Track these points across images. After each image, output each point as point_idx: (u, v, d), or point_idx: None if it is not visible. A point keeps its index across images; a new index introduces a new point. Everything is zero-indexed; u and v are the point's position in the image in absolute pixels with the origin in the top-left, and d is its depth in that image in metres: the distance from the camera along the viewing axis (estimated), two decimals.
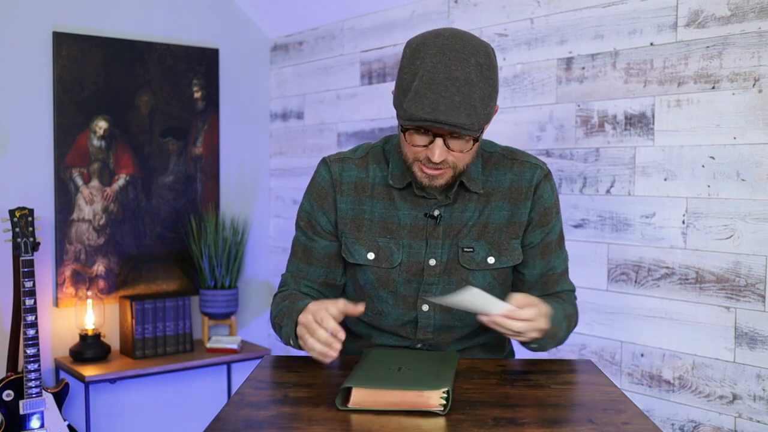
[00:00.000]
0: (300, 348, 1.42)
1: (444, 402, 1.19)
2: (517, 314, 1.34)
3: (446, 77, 1.32)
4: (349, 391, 1.22)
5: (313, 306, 1.37)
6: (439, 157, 1.37)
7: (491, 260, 1.51)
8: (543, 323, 1.39)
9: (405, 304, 1.54)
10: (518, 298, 1.37)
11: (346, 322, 1.64)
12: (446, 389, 1.20)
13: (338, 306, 1.34)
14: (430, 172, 1.41)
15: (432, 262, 1.51)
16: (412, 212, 1.52)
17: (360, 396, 1.20)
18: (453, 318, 1.53)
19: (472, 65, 1.34)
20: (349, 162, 1.57)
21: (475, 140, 1.40)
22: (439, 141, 1.37)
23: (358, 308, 1.36)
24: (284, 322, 1.48)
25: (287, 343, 1.48)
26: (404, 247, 1.52)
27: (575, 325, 1.60)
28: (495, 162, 1.54)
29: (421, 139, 1.39)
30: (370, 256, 1.53)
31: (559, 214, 1.58)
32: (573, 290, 1.64)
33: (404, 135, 1.40)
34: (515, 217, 1.52)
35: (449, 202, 1.51)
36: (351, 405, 1.20)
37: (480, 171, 1.52)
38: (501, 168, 1.54)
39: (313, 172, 1.61)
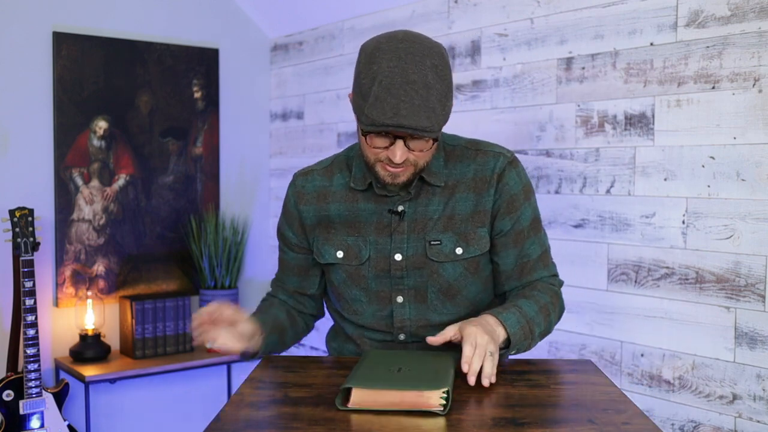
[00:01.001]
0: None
1: (444, 402, 1.19)
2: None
3: (404, 81, 1.35)
4: (349, 391, 1.22)
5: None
6: (401, 158, 1.40)
7: (459, 251, 1.53)
8: (481, 338, 1.33)
9: (378, 299, 1.57)
10: (444, 335, 1.40)
11: (342, 327, 1.68)
12: (446, 389, 1.20)
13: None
14: (392, 170, 1.44)
15: (398, 257, 1.54)
16: (377, 210, 1.55)
17: (360, 396, 1.21)
18: (428, 309, 1.56)
19: (427, 67, 1.37)
20: (314, 173, 1.63)
21: (434, 140, 1.43)
22: (399, 143, 1.40)
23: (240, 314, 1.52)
24: None
25: None
26: (371, 244, 1.55)
27: (560, 311, 1.58)
28: (459, 154, 1.56)
29: (381, 142, 1.41)
30: (339, 254, 1.57)
31: (530, 200, 1.57)
32: (552, 275, 1.62)
33: (365, 138, 1.43)
34: (479, 206, 1.54)
35: (411, 197, 1.53)
36: (351, 405, 1.21)
37: (442, 165, 1.55)
38: (465, 160, 1.56)
39: None
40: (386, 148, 1.41)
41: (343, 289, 1.59)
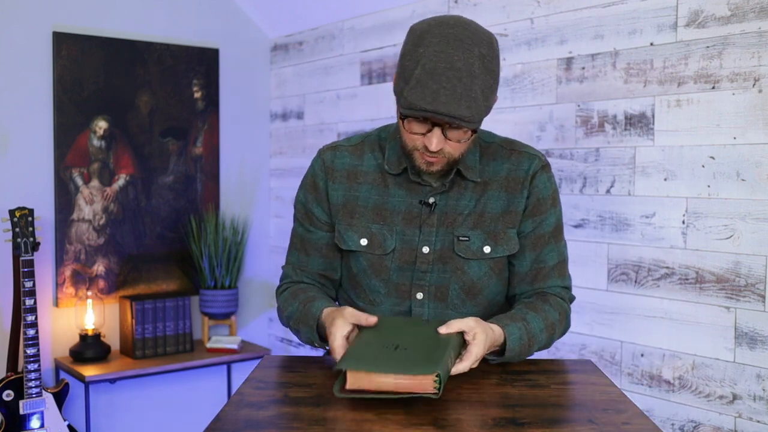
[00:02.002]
0: (325, 347, 1.47)
1: (437, 386, 1.18)
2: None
3: (448, 67, 1.31)
4: (345, 376, 1.22)
5: (326, 319, 1.42)
6: (437, 147, 1.37)
7: (487, 249, 1.51)
8: (482, 351, 1.32)
9: (398, 292, 1.53)
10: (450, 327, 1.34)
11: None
12: (437, 373, 1.18)
13: (347, 319, 1.36)
14: (429, 158, 1.42)
15: (425, 249, 1.51)
16: (407, 199, 1.52)
17: (355, 378, 1.20)
18: (447, 306, 1.53)
19: (475, 56, 1.33)
20: (342, 149, 1.57)
21: (473, 131, 1.40)
22: (437, 130, 1.37)
23: (370, 320, 1.35)
24: (301, 328, 1.51)
25: (308, 344, 1.54)
26: (397, 234, 1.52)
27: (565, 330, 1.56)
28: (493, 152, 1.54)
29: (419, 127, 1.38)
30: (363, 242, 1.53)
31: (557, 208, 1.55)
32: (565, 287, 1.58)
33: (403, 122, 1.40)
34: (511, 206, 1.52)
35: (444, 190, 1.50)
36: (348, 387, 1.20)
37: (477, 160, 1.52)
38: (499, 158, 1.54)
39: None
40: (423, 134, 1.38)
41: (362, 278, 1.55)
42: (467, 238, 1.50)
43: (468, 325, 1.32)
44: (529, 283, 1.55)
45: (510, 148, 1.55)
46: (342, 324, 1.35)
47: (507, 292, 1.60)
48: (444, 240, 1.50)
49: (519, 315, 1.46)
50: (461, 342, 1.32)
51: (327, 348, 1.47)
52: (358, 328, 1.37)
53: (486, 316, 1.51)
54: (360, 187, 1.54)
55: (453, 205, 1.51)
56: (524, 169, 1.52)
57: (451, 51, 1.32)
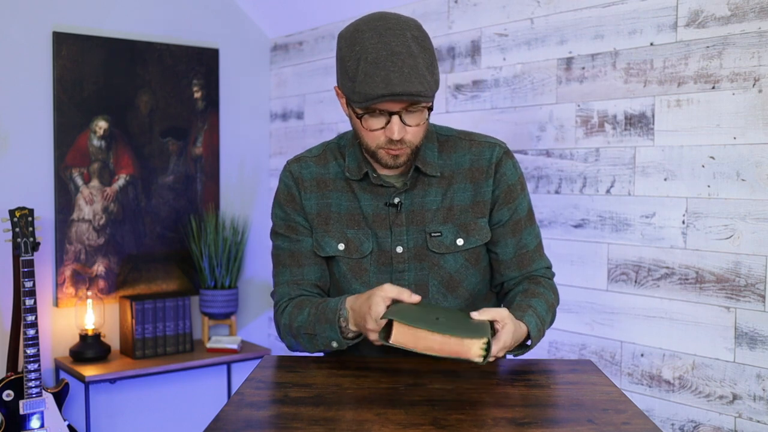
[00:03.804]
0: (349, 343, 1.46)
1: (483, 353, 1.20)
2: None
3: (389, 53, 1.36)
4: (390, 325, 1.22)
5: (357, 302, 1.40)
6: (399, 134, 1.41)
7: (460, 242, 1.53)
8: (510, 340, 1.36)
9: None
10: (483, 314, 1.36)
11: None
12: (486, 339, 1.20)
13: (387, 295, 1.35)
14: (393, 152, 1.45)
15: (399, 249, 1.53)
16: (373, 202, 1.55)
17: (401, 333, 1.21)
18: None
19: (409, 39, 1.39)
20: (307, 160, 1.60)
21: (429, 109, 1.44)
22: (395, 119, 1.40)
23: (414, 297, 1.36)
24: (317, 330, 1.47)
25: (323, 349, 1.51)
26: (372, 237, 1.54)
27: (558, 303, 1.61)
28: (452, 144, 1.57)
29: (377, 122, 1.42)
30: (341, 246, 1.55)
31: (525, 191, 1.59)
32: (549, 266, 1.65)
33: (360, 122, 1.43)
34: (479, 196, 1.54)
35: (407, 189, 1.53)
36: (392, 341, 1.21)
37: (436, 155, 1.55)
38: (459, 150, 1.57)
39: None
40: (383, 128, 1.42)
41: (343, 283, 1.57)
42: (439, 233, 1.53)
43: (501, 314, 1.36)
44: (516, 268, 1.59)
45: (469, 139, 1.58)
46: (382, 294, 1.34)
47: (492, 281, 1.63)
48: (417, 238, 1.53)
49: (525, 304, 1.49)
50: (490, 329, 1.35)
51: (350, 344, 1.46)
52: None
53: (469, 308, 1.53)
54: (330, 194, 1.57)
55: (419, 202, 1.54)
56: (486, 158, 1.55)
57: (386, 39, 1.38)
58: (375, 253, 1.54)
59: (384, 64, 1.35)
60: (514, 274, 1.59)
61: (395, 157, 1.46)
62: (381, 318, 1.24)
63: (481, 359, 1.19)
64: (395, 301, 1.35)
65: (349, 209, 1.56)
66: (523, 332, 1.43)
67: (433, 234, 1.53)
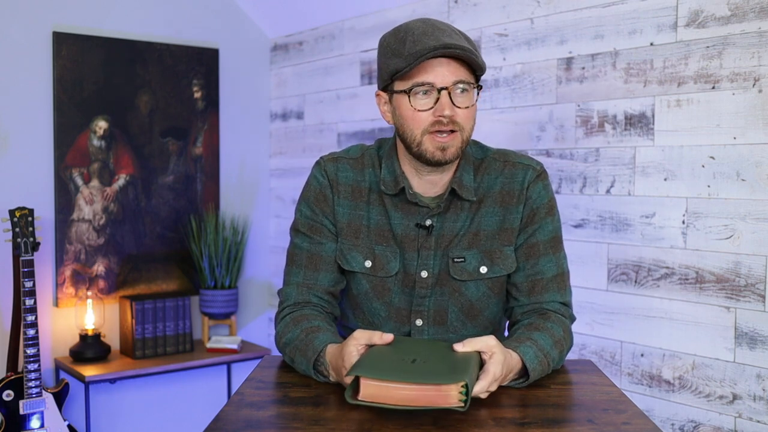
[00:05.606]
0: (322, 380, 1.35)
1: (463, 397, 1.10)
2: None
3: (436, 28, 1.37)
4: (358, 381, 1.13)
5: (334, 354, 1.29)
6: (450, 110, 1.36)
7: (483, 270, 1.46)
8: (501, 371, 1.23)
9: (398, 316, 1.50)
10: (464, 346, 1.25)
11: (340, 333, 1.57)
12: (464, 383, 1.10)
13: (359, 343, 1.26)
14: (441, 140, 1.37)
15: (424, 274, 1.46)
16: (404, 221, 1.47)
17: (370, 389, 1.10)
18: (447, 331, 1.50)
19: (452, 27, 1.41)
20: (344, 162, 1.52)
21: (479, 88, 1.41)
22: (444, 93, 1.36)
23: (385, 337, 1.26)
24: (297, 358, 1.39)
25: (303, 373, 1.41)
26: (399, 256, 1.47)
27: (569, 347, 1.46)
28: (486, 166, 1.49)
29: (425, 102, 1.37)
30: (368, 263, 1.48)
31: (553, 216, 1.49)
32: (564, 302, 1.49)
33: (409, 101, 1.38)
34: (507, 223, 1.46)
35: (441, 211, 1.45)
36: (361, 398, 1.11)
37: (472, 178, 1.47)
38: (492, 172, 1.48)
39: (309, 175, 1.56)
40: (432, 108, 1.37)
41: (363, 300, 1.50)
42: (462, 259, 1.45)
43: (487, 343, 1.24)
44: (526, 294, 1.48)
45: (503, 160, 1.50)
46: (354, 342, 1.25)
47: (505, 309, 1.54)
48: (441, 263, 1.46)
49: (524, 336, 1.38)
50: (479, 361, 1.24)
51: (324, 381, 1.35)
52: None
53: None
54: (363, 205, 1.49)
55: (449, 226, 1.46)
56: (519, 182, 1.47)
57: (432, 22, 1.39)
58: (400, 274, 1.47)
59: (433, 33, 1.36)
60: (523, 300, 1.48)
61: (443, 149, 1.37)
62: (345, 375, 1.13)
63: (462, 405, 1.08)
64: (370, 346, 1.25)
65: (379, 224, 1.48)
66: (515, 362, 1.30)
67: (455, 260, 1.45)
